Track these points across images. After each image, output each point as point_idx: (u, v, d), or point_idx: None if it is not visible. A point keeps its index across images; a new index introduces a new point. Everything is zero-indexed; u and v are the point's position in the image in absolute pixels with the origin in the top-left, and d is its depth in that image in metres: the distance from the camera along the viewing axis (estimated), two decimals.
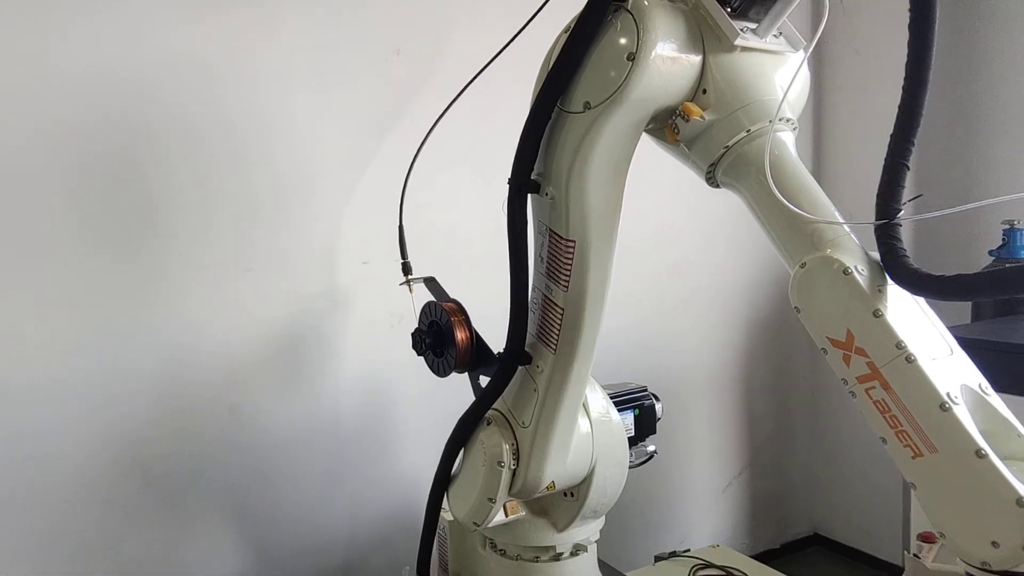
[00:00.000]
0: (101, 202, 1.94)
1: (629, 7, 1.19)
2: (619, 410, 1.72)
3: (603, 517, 1.75)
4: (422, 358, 1.72)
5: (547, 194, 1.33)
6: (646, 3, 1.18)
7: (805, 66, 1.28)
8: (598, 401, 1.64)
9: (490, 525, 1.62)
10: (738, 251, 3.01)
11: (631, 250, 2.75)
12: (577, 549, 1.71)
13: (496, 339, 1.54)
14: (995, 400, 1.02)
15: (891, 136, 1.10)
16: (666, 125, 1.26)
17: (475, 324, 1.65)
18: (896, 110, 1.09)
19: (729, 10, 1.20)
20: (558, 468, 1.54)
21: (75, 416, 1.95)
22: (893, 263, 1.05)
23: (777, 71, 1.25)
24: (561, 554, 1.69)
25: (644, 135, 1.33)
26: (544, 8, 1.37)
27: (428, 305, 1.74)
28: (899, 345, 1.00)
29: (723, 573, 2.30)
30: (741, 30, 1.20)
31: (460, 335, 1.65)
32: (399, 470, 2.37)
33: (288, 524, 2.25)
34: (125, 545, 2.04)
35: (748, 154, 1.19)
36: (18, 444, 1.89)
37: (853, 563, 3.25)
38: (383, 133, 2.28)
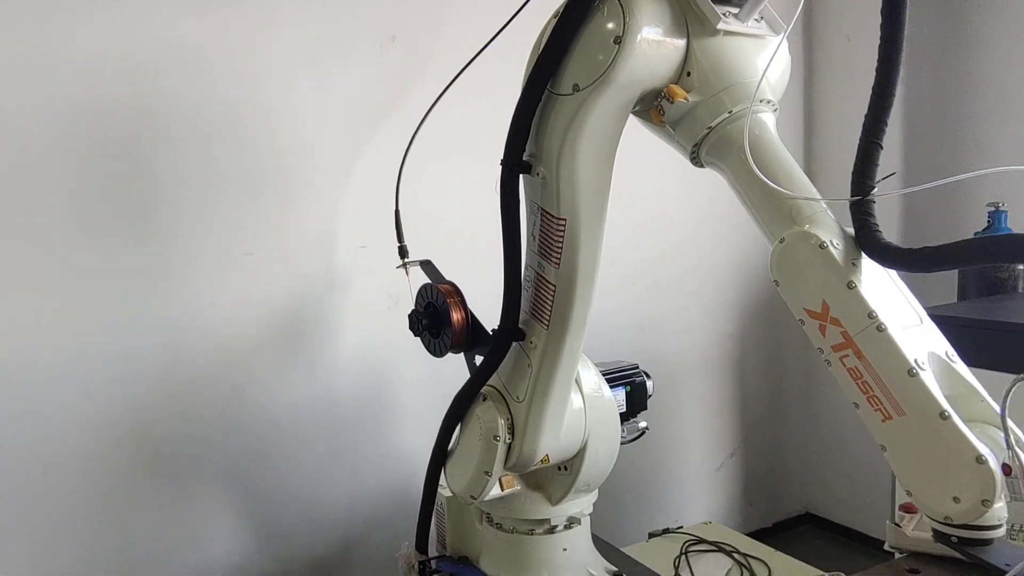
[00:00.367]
0: (105, 188, 1.99)
1: None
2: (611, 387, 1.76)
3: (596, 491, 1.80)
4: (419, 339, 1.77)
5: (538, 174, 1.38)
6: None
7: (786, 50, 1.33)
8: (590, 378, 1.69)
9: (486, 499, 1.67)
10: (732, 233, 3.06)
11: (626, 233, 2.84)
12: (571, 522, 1.76)
13: (491, 320, 1.58)
14: (960, 367, 1.08)
15: (865, 116, 1.15)
16: (652, 107, 1.31)
17: (471, 305, 1.70)
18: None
19: None
20: (552, 442, 1.59)
21: (79, 398, 1.99)
22: (866, 237, 1.11)
23: (759, 54, 1.29)
24: (556, 527, 1.74)
25: (632, 117, 1.38)
26: None
27: (424, 287, 1.79)
28: (871, 315, 1.05)
29: (714, 548, 2.36)
30: (723, 15, 1.25)
31: (456, 316, 1.70)
32: (398, 449, 2.43)
33: (289, 503, 2.31)
34: (129, 524, 2.09)
35: (730, 134, 1.24)
36: (23, 427, 1.93)
37: (844, 541, 3.31)
38: (380, 118, 2.32)
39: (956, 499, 0.98)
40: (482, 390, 1.62)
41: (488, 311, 1.63)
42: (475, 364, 1.68)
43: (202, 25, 2.07)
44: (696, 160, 1.33)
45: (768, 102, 1.28)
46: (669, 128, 1.32)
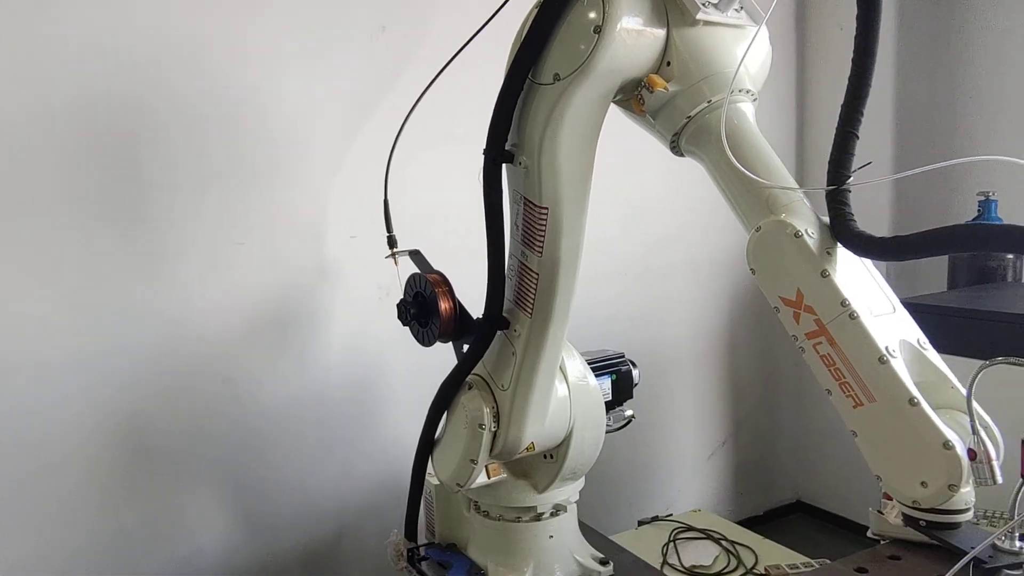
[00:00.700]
0: (96, 180, 1.99)
1: None
2: (597, 375, 1.78)
3: (583, 479, 1.82)
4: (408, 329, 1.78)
5: (521, 163, 1.39)
6: None
7: (766, 40, 1.34)
8: (576, 366, 1.70)
9: (473, 486, 1.69)
10: (723, 223, 3.06)
11: (617, 223, 2.85)
12: (557, 509, 1.78)
13: (480, 310, 1.59)
14: (932, 354, 1.09)
15: (842, 106, 1.16)
16: (632, 96, 1.32)
17: (459, 295, 1.71)
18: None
19: None
20: (537, 430, 1.61)
21: (71, 392, 2.00)
22: (840, 226, 1.12)
23: (738, 44, 1.30)
24: (542, 514, 1.76)
25: (614, 107, 1.39)
26: None
27: (413, 277, 1.80)
28: (844, 303, 1.07)
29: (703, 536, 2.38)
30: (703, 4, 1.26)
31: (444, 305, 1.71)
32: (389, 438, 2.44)
33: (280, 493, 2.32)
34: (123, 516, 2.11)
35: (709, 123, 1.25)
36: (15, 423, 1.94)
37: (835, 528, 3.33)
38: (370, 108, 2.32)
39: (924, 484, 1.00)
40: (468, 379, 1.64)
41: (477, 300, 1.63)
42: (463, 353, 1.69)
43: (193, 15, 2.07)
44: (676, 149, 1.34)
45: (747, 92, 1.28)
46: (649, 117, 1.33)
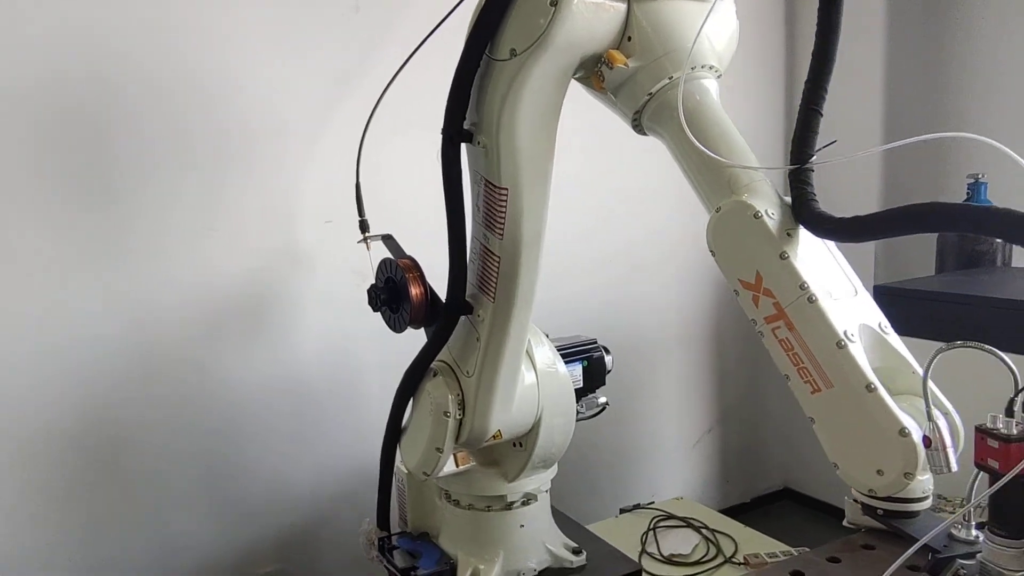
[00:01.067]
0: (64, 162, 1.95)
1: None
2: (567, 362, 1.74)
3: (555, 467, 1.79)
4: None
5: (479, 143, 1.35)
6: None
7: (732, 15, 1.29)
8: (544, 353, 1.67)
9: (441, 475, 1.66)
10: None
11: (602, 211, 2.81)
12: (528, 498, 1.74)
13: None
14: (893, 339, 1.06)
15: (805, 83, 1.12)
16: (593, 72, 1.27)
17: (433, 280, 1.67)
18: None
19: None
20: (503, 417, 1.57)
21: (39, 382, 1.97)
22: (800, 207, 1.08)
23: (704, 18, 1.25)
24: (512, 503, 1.73)
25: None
26: None
27: (384, 262, 1.76)
28: (802, 286, 1.03)
29: (683, 524, 2.36)
30: None
31: (414, 291, 1.68)
32: (364, 425, 2.41)
33: (255, 481, 2.29)
34: (93, 507, 2.08)
35: (671, 101, 1.21)
36: None
37: (823, 516, 3.31)
38: (345, 90, 2.28)
39: (880, 472, 0.96)
40: (433, 365, 1.60)
41: None
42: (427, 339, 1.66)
43: None
44: (638, 127, 1.30)
45: (711, 68, 1.24)
46: (610, 94, 1.28)
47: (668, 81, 1.22)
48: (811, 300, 1.02)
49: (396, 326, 1.75)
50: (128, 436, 2.11)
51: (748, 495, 3.38)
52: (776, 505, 3.44)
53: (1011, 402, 0.90)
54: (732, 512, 3.23)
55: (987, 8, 2.83)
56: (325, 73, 2.26)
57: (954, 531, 0.98)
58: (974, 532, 0.95)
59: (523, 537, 1.75)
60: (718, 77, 1.26)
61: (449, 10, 1.48)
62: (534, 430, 1.65)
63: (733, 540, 2.23)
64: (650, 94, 1.23)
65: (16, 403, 1.94)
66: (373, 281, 1.74)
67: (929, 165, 2.98)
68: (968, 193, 2.65)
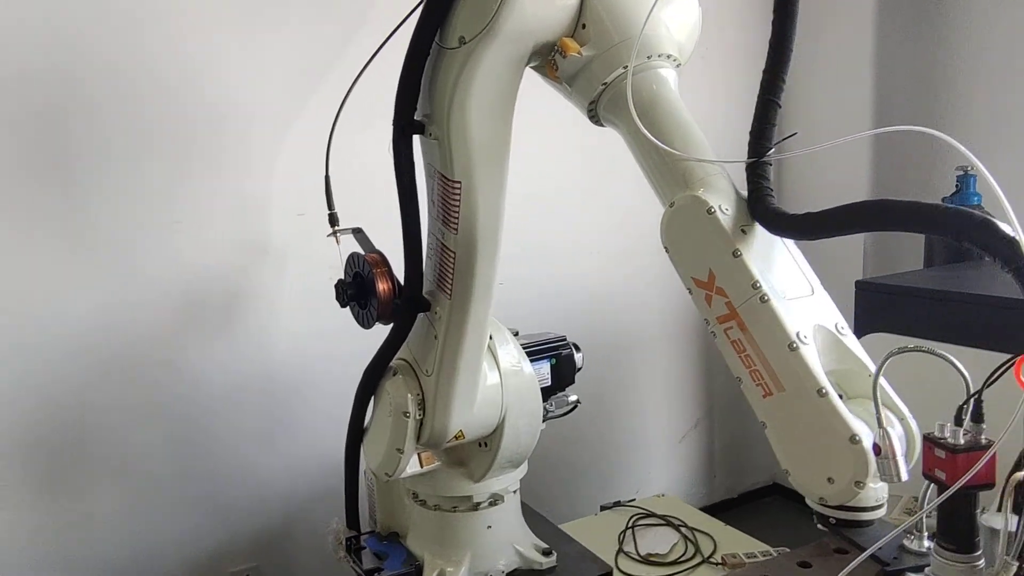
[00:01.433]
0: (21, 153, 1.91)
1: None
2: (534, 360, 1.70)
3: (524, 467, 1.75)
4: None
5: (431, 134, 1.30)
6: None
7: (695, 4, 1.25)
8: (509, 351, 1.63)
9: (406, 475, 1.62)
10: None
11: (582, 201, 2.75)
12: (495, 499, 1.70)
13: None
14: (850, 340, 1.01)
15: (763, 72, 1.06)
16: (546, 61, 1.22)
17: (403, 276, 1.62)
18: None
19: None
20: (465, 417, 1.53)
21: (6, 379, 1.94)
22: (755, 203, 1.04)
23: (663, 6, 1.20)
24: (479, 504, 1.69)
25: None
26: None
27: (352, 256, 1.72)
28: (755, 285, 0.98)
29: (662, 522, 2.31)
30: None
31: (382, 286, 1.63)
32: (339, 422, 2.32)
33: (228, 478, 2.26)
34: (63, 505, 2.05)
35: (626, 91, 1.16)
36: None
37: (810, 512, 3.26)
38: (317, 79, 2.22)
39: (830, 479, 0.92)
40: (393, 363, 1.57)
41: None
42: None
43: None
44: (595, 118, 1.25)
45: (669, 57, 1.19)
46: (565, 84, 1.24)
47: (623, 71, 1.17)
48: (763, 300, 0.97)
49: (365, 322, 1.71)
50: (95, 434, 2.07)
51: (736, 490, 3.33)
52: (764, 501, 3.40)
53: (960, 410, 0.85)
54: (720, 508, 3.20)
55: (974, 7, 2.77)
56: (296, 60, 2.21)
57: (906, 542, 0.93)
58: (926, 544, 0.91)
59: (491, 538, 1.72)
60: (677, 67, 1.21)
61: (419, 2, 1.44)
62: (499, 430, 1.61)
63: (712, 539, 2.19)
64: (605, 84, 1.18)
65: None
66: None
67: (917, 156, 2.93)
68: (957, 186, 2.60)
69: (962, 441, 0.83)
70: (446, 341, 1.45)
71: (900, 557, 0.93)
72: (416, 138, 1.34)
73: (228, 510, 2.28)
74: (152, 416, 2.14)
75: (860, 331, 2.28)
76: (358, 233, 1.81)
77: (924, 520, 0.91)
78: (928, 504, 0.86)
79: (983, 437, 0.84)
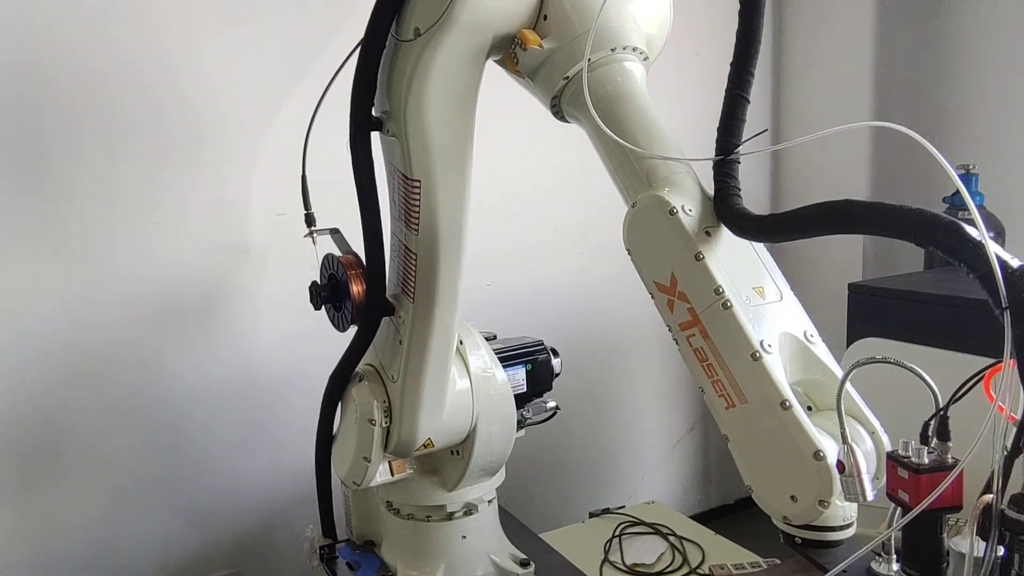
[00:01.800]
0: None
1: None
2: (508, 365, 1.64)
3: (500, 476, 1.69)
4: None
5: (389, 131, 1.25)
6: None
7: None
8: (480, 356, 1.57)
9: (377, 484, 1.57)
10: None
11: (572, 199, 2.69)
12: (470, 508, 1.66)
13: None
14: (820, 349, 0.95)
15: (731, 65, 1.00)
16: (507, 54, 1.17)
17: None
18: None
19: None
20: (433, 424, 1.48)
21: None
22: (720, 203, 0.98)
23: None
24: (453, 513, 1.64)
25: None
26: None
27: (327, 258, 1.67)
28: (717, 291, 0.92)
29: (650, 531, 2.25)
30: None
31: (356, 289, 1.58)
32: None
33: (207, 481, 2.22)
34: (37, 508, 2.02)
35: (589, 85, 1.10)
36: None
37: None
38: (297, 76, 2.17)
39: (794, 498, 0.86)
40: (359, 369, 1.52)
41: None
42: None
43: None
44: (558, 114, 1.19)
45: (635, 50, 1.13)
46: (527, 78, 1.18)
47: (586, 64, 1.10)
48: (726, 306, 0.91)
49: (340, 324, 1.66)
50: (70, 437, 2.03)
51: (731, 496, 3.26)
52: (760, 508, 3.33)
53: (926, 426, 0.79)
54: (715, 514, 3.13)
55: (977, 4, 2.70)
56: (276, 57, 2.16)
57: (874, 565, 0.87)
58: (895, 566, 0.85)
59: (465, 548, 1.67)
60: (644, 59, 1.15)
61: None
62: (470, 438, 1.55)
63: (701, 549, 2.13)
64: (567, 78, 1.12)
65: None
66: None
67: (918, 154, 2.85)
68: None
69: (926, 460, 0.77)
70: (411, 346, 1.39)
71: None
72: (377, 136, 1.29)
73: (207, 514, 2.23)
74: (129, 418, 2.10)
75: (853, 336, 2.24)
76: (335, 234, 1.76)
77: (893, 542, 0.85)
78: (891, 527, 0.80)
79: (949, 456, 0.77)
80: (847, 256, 2.93)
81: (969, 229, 0.71)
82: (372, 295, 1.38)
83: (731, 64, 1.01)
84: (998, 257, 0.68)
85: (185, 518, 2.21)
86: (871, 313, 2.09)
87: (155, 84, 2.03)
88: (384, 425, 1.47)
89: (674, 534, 2.20)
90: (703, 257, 0.94)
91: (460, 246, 1.32)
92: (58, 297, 1.97)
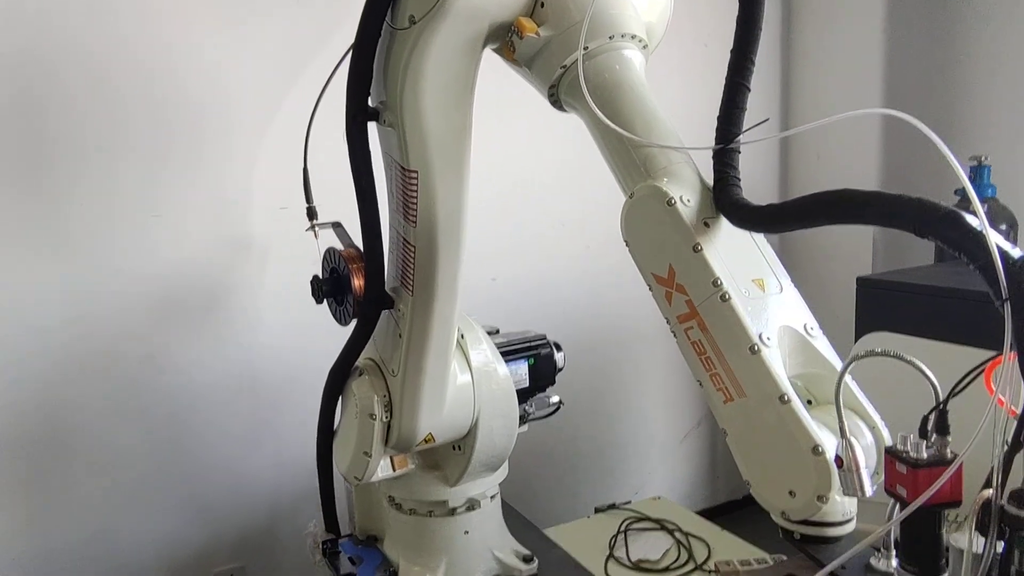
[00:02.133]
0: None
1: None
2: (511, 360, 1.63)
3: (503, 471, 1.68)
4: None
5: (386, 121, 1.23)
6: None
7: None
8: (482, 351, 1.56)
9: (378, 479, 1.56)
10: None
11: (576, 193, 2.67)
12: (472, 504, 1.64)
13: None
14: (820, 343, 0.93)
15: (731, 53, 0.98)
16: (503, 42, 1.15)
17: None
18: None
19: None
20: (434, 419, 1.47)
21: None
22: (719, 193, 0.96)
23: None
24: (455, 508, 1.63)
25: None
26: None
27: (329, 252, 1.67)
28: (715, 283, 0.91)
29: (656, 527, 2.24)
30: None
31: (357, 283, 1.57)
32: None
33: (211, 479, 2.22)
34: (40, 502, 2.02)
35: (586, 74, 1.08)
36: None
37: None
38: (300, 69, 2.16)
39: (792, 493, 0.84)
40: (359, 363, 1.51)
41: None
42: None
43: None
44: (556, 103, 1.18)
45: (635, 37, 1.11)
46: (524, 67, 1.16)
47: (584, 52, 1.09)
48: (724, 298, 0.89)
49: (342, 319, 1.66)
50: (73, 432, 2.04)
51: (739, 492, 3.23)
52: None
53: (924, 420, 0.77)
54: (723, 510, 3.11)
55: None
56: (278, 50, 2.15)
57: (873, 560, 0.85)
58: (894, 562, 0.83)
59: (468, 544, 1.66)
60: (643, 47, 1.13)
61: None
62: (472, 433, 1.54)
63: (707, 545, 2.11)
64: (564, 67, 1.10)
65: None
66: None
67: (931, 150, 2.81)
68: (969, 177, 2.49)
69: (925, 455, 0.75)
70: (411, 340, 1.38)
71: None
72: (374, 127, 1.28)
73: (212, 509, 2.24)
74: (132, 414, 2.10)
75: (862, 330, 2.21)
76: (337, 227, 1.75)
77: (892, 537, 0.83)
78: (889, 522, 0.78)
79: (948, 451, 0.75)
80: (857, 249, 2.90)
81: (970, 219, 0.69)
82: (370, 288, 1.37)
83: (731, 51, 0.99)
84: (999, 247, 0.66)
85: (189, 512, 2.21)
86: (880, 307, 2.06)
87: (157, 81, 2.03)
88: (384, 420, 1.46)
89: (680, 529, 2.19)
90: (701, 248, 0.92)
91: (459, 238, 1.30)
92: (60, 294, 1.97)
